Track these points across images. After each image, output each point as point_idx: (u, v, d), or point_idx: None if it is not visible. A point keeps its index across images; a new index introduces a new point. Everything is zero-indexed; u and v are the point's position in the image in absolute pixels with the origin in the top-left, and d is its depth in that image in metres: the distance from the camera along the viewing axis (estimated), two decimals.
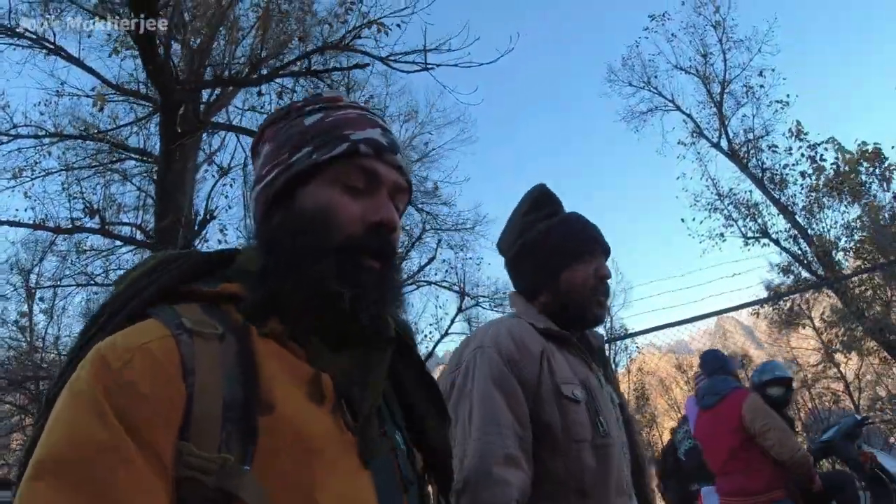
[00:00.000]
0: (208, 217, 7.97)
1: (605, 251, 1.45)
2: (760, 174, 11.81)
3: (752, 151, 12.05)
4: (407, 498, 0.70)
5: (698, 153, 12.61)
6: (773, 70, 12.42)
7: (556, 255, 1.40)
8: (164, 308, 0.64)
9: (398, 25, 7.14)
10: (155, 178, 7.99)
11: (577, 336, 1.41)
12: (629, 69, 14.05)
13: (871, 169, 10.89)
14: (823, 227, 11.12)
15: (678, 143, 12.85)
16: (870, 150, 10.89)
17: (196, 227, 8.20)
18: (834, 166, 11.06)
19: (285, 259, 0.70)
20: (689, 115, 13.17)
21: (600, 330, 1.52)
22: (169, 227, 7.63)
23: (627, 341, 17.06)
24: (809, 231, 11.11)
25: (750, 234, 11.75)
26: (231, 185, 10.00)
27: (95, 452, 0.51)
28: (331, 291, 0.68)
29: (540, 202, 1.49)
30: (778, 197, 11.55)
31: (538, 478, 1.21)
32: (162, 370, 0.57)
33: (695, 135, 12.92)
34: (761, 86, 12.47)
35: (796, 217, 11.28)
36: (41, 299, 12.33)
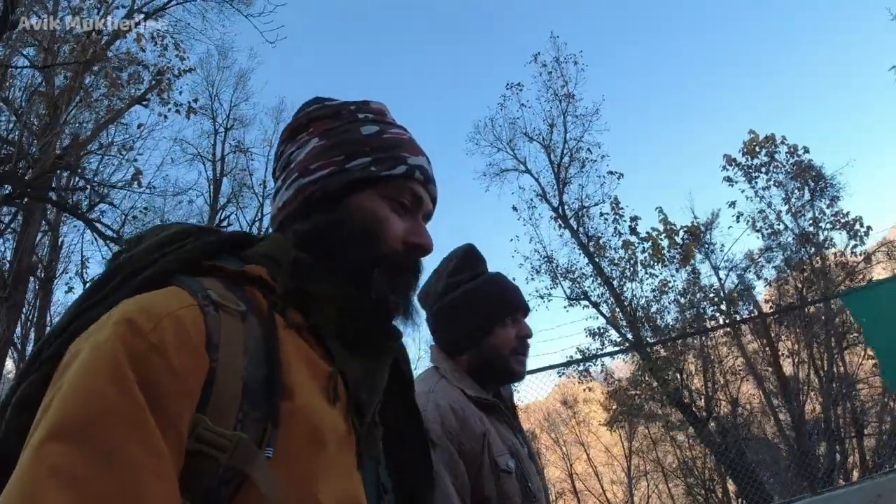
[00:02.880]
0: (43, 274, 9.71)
1: (525, 311, 1.57)
2: (587, 241, 12.77)
3: (582, 220, 13.02)
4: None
5: (530, 217, 13.50)
6: (600, 146, 13.49)
7: (480, 320, 1.49)
8: (188, 278, 0.63)
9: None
10: None
11: (495, 392, 1.52)
12: (489, 131, 14.86)
13: (687, 239, 11.97)
14: (635, 295, 12.11)
15: (512, 207, 13.72)
16: (678, 228, 11.96)
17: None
18: (648, 241, 12.07)
19: (335, 258, 0.73)
20: (536, 180, 14.09)
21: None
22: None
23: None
24: (623, 297, 12.07)
25: (573, 297, 12.66)
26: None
27: (111, 419, 0.49)
28: (380, 298, 0.72)
29: (466, 262, 1.57)
30: (599, 263, 12.51)
31: None
32: (189, 340, 0.55)
33: (538, 198, 13.83)
34: (602, 156, 13.50)
35: (612, 283, 12.24)
36: None
